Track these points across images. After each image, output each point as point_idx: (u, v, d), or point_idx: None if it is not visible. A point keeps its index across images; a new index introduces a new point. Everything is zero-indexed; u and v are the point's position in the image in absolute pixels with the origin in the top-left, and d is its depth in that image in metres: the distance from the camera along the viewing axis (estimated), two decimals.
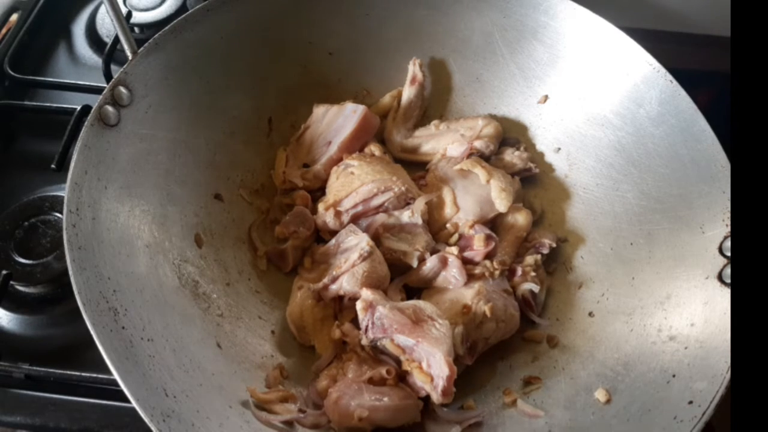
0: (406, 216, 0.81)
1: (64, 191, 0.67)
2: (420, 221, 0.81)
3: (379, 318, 0.71)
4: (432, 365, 0.68)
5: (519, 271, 0.81)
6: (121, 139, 0.74)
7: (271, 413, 0.68)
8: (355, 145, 0.90)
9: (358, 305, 0.73)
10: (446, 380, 0.67)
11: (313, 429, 0.69)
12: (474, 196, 0.85)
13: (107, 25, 1.12)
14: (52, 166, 0.86)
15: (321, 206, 0.83)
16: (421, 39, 0.95)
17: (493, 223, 0.86)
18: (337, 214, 0.82)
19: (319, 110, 0.92)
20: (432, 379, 0.68)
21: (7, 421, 0.74)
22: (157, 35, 0.79)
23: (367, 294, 0.73)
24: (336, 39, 0.93)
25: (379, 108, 0.96)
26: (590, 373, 0.73)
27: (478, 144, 0.89)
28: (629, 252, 0.81)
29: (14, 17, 1.11)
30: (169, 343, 0.67)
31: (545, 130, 0.93)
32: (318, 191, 0.89)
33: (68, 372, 0.74)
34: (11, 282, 0.81)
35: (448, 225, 0.84)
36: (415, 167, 0.92)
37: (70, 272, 0.63)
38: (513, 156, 0.91)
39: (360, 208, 0.82)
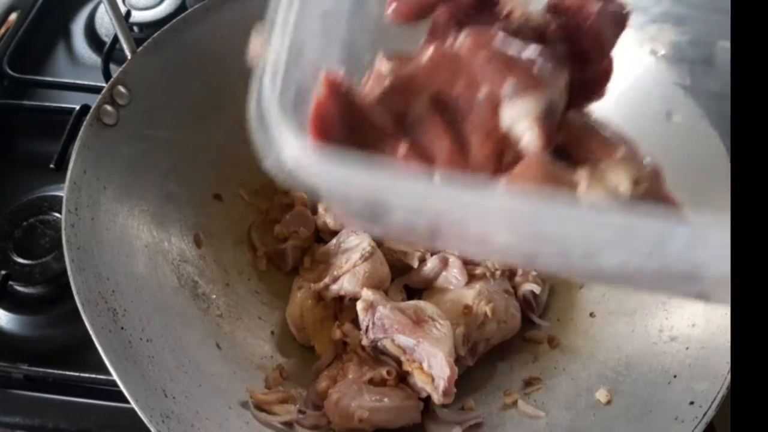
0: None
1: (62, 191, 0.67)
2: None
3: (380, 318, 0.70)
4: (433, 365, 0.68)
5: (520, 272, 0.81)
6: (120, 138, 0.73)
7: (270, 414, 0.68)
8: None
9: (359, 305, 0.72)
10: (447, 381, 0.66)
11: (313, 430, 0.68)
12: None
13: (106, 25, 1.12)
14: (51, 165, 0.86)
15: (321, 206, 0.83)
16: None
17: None
18: None
19: None
20: (433, 380, 0.67)
21: (5, 422, 0.73)
22: (156, 34, 0.79)
23: (367, 294, 0.73)
24: None
25: None
26: (591, 374, 0.73)
27: None
28: None
29: (13, 16, 1.11)
30: (169, 344, 0.66)
31: None
32: None
33: (67, 372, 0.74)
34: (10, 282, 0.81)
35: None
36: None
37: (69, 272, 0.63)
38: None
39: None
